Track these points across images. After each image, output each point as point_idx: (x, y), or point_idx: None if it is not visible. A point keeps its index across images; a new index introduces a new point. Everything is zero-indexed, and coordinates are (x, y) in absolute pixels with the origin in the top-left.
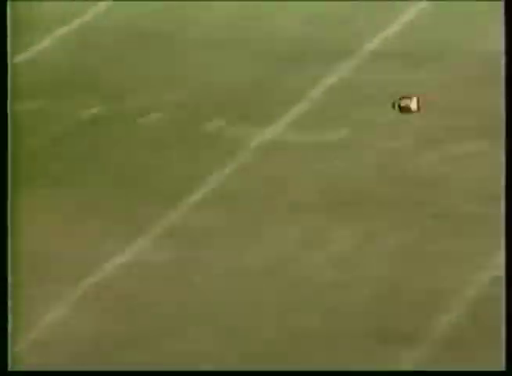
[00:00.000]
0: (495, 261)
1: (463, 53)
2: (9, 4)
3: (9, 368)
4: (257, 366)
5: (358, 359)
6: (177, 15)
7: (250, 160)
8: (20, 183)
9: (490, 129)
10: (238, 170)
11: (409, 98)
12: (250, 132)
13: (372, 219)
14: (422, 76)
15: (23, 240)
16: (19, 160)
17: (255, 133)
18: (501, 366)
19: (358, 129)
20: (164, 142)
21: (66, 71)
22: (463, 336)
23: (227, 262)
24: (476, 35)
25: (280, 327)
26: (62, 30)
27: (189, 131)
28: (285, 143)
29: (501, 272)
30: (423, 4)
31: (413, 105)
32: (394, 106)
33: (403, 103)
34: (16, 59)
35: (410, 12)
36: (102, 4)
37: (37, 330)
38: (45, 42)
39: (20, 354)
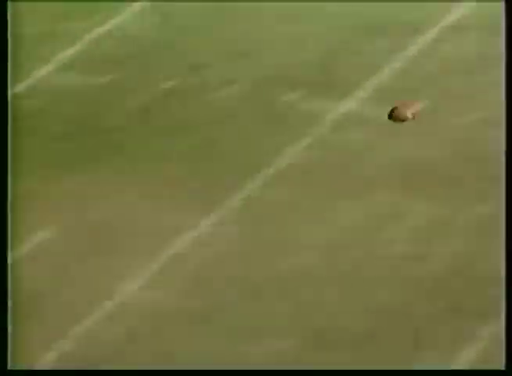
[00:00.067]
0: None
1: None
2: None
3: (9, 367)
4: (334, 340)
5: (434, 334)
6: None
7: (325, 134)
8: (96, 158)
9: None
10: (313, 144)
11: (403, 107)
12: (326, 106)
13: (447, 194)
14: (498, 50)
15: (96, 211)
16: (96, 134)
17: (331, 107)
18: (501, 365)
19: (433, 103)
20: (240, 115)
21: (141, 45)
22: None
23: (302, 235)
24: None
25: (355, 300)
26: (139, 4)
27: (264, 105)
28: (360, 117)
29: None
30: None
31: (408, 113)
32: (389, 117)
33: (397, 113)
34: (94, 32)
35: None
36: None
37: (113, 303)
38: (122, 16)
39: (98, 322)
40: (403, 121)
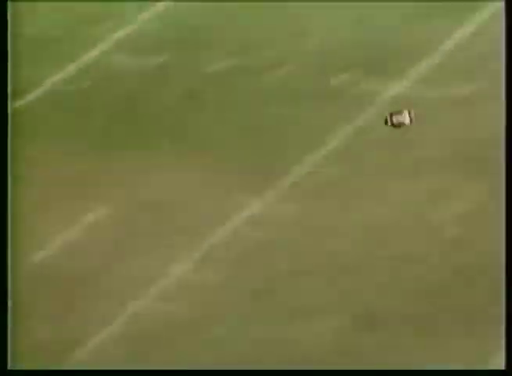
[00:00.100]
0: None
1: None
2: None
3: (9, 367)
4: (384, 319)
5: (488, 317)
6: None
7: (376, 115)
8: (146, 140)
9: None
10: (364, 125)
11: (401, 113)
12: (377, 87)
13: (497, 176)
14: None
15: (148, 191)
16: (146, 115)
17: (382, 88)
18: (501, 365)
19: (484, 84)
20: (290, 96)
21: (191, 28)
22: None
23: (352, 215)
24: None
25: (405, 281)
26: None
27: (315, 86)
28: (412, 98)
29: None
30: None
31: (406, 119)
32: (386, 123)
33: (395, 119)
34: (145, 14)
35: None
36: None
37: (166, 282)
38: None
39: (149, 303)
40: (400, 126)
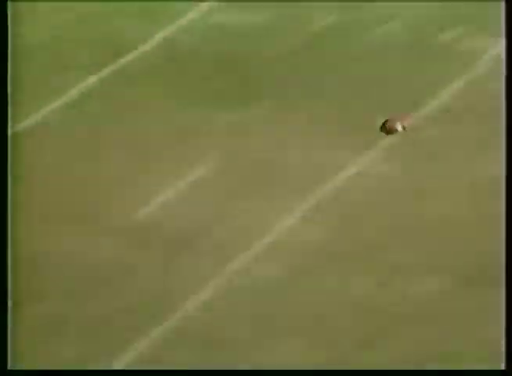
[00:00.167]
0: None
1: None
2: None
3: (9, 367)
4: (482, 277)
5: None
6: None
7: (483, 72)
8: (247, 97)
9: None
10: (472, 82)
11: (394, 120)
12: (486, 44)
13: None
14: None
15: (250, 149)
16: (248, 72)
17: (491, 45)
18: (502, 365)
19: None
20: (397, 53)
21: None
22: None
23: (457, 173)
24: None
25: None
26: None
27: (424, 42)
28: None
29: None
30: None
31: (398, 126)
32: (381, 129)
33: (389, 126)
34: None
35: None
36: None
37: (268, 240)
38: None
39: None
40: (394, 133)
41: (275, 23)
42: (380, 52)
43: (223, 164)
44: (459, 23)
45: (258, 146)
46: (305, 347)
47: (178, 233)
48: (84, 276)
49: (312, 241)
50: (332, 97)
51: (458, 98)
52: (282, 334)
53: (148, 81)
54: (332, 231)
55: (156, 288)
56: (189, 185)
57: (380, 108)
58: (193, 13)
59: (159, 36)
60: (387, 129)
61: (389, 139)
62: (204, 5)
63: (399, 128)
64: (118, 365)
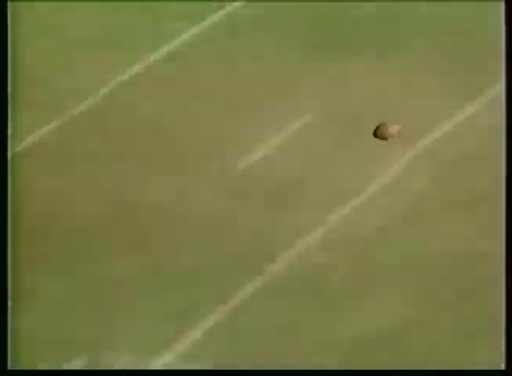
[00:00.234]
0: None
1: None
2: None
3: (9, 367)
4: None
5: None
6: None
7: None
8: (348, 46)
9: None
10: None
11: (386, 126)
12: None
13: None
14: None
15: (351, 98)
16: (348, 21)
17: None
18: (501, 365)
19: None
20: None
21: None
22: None
23: None
24: None
25: None
26: None
27: None
28: None
29: None
30: None
31: (392, 131)
32: (374, 135)
33: (380, 131)
34: None
35: None
36: None
37: (376, 185)
38: None
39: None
40: (387, 138)
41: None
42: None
43: (324, 115)
44: None
45: (359, 98)
46: (406, 297)
47: (278, 183)
48: (183, 226)
49: (416, 190)
50: (439, 44)
51: None
52: (383, 285)
53: (250, 32)
54: (437, 180)
55: (256, 238)
56: (290, 136)
57: (492, 56)
58: None
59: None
60: (379, 135)
61: (494, 90)
62: None
63: (394, 133)
64: (222, 310)
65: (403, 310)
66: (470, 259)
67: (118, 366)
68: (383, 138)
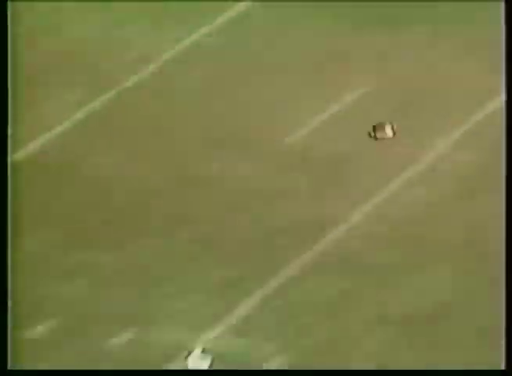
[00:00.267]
0: None
1: None
2: None
3: (9, 367)
4: None
5: None
6: None
7: None
8: (396, 21)
9: None
10: None
11: (383, 126)
12: None
13: None
14: None
15: (400, 70)
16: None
17: None
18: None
19: None
20: None
21: None
22: None
23: None
24: None
25: None
26: None
27: None
28: None
29: None
30: None
31: (388, 132)
32: (370, 135)
33: (378, 132)
34: None
35: None
36: None
37: (426, 160)
38: None
39: None
40: (384, 138)
41: None
42: None
43: (374, 88)
44: None
45: (409, 72)
46: (454, 272)
47: (328, 157)
48: (234, 200)
49: (467, 164)
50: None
51: None
52: (431, 259)
53: (300, 7)
54: (484, 155)
55: (305, 213)
56: (340, 109)
57: None
58: None
59: None
60: (376, 136)
61: None
62: None
63: (390, 133)
64: (271, 284)
65: (454, 285)
66: None
67: (167, 340)
68: (381, 137)
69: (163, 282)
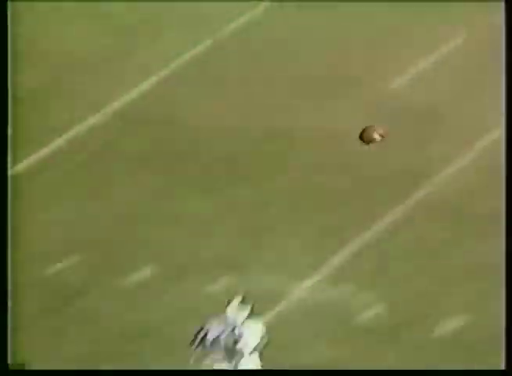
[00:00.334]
0: None
1: None
2: None
3: (9, 367)
4: None
5: None
6: None
7: None
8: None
9: None
10: None
11: (373, 129)
12: None
13: None
14: None
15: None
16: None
17: None
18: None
19: None
20: None
21: None
22: None
23: None
24: None
25: None
26: None
27: None
28: None
29: None
30: None
31: (376, 135)
32: (360, 138)
33: (366, 135)
34: None
35: None
36: None
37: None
38: None
39: None
40: (371, 141)
41: None
42: None
43: (469, 40)
44: None
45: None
46: None
47: (428, 107)
48: (329, 151)
49: None
50: None
51: None
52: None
53: None
54: None
55: (404, 163)
56: (438, 59)
57: None
58: None
59: None
60: (364, 139)
61: None
62: None
63: (376, 137)
64: (368, 233)
65: None
66: None
67: (264, 287)
68: (370, 141)
69: (261, 230)
